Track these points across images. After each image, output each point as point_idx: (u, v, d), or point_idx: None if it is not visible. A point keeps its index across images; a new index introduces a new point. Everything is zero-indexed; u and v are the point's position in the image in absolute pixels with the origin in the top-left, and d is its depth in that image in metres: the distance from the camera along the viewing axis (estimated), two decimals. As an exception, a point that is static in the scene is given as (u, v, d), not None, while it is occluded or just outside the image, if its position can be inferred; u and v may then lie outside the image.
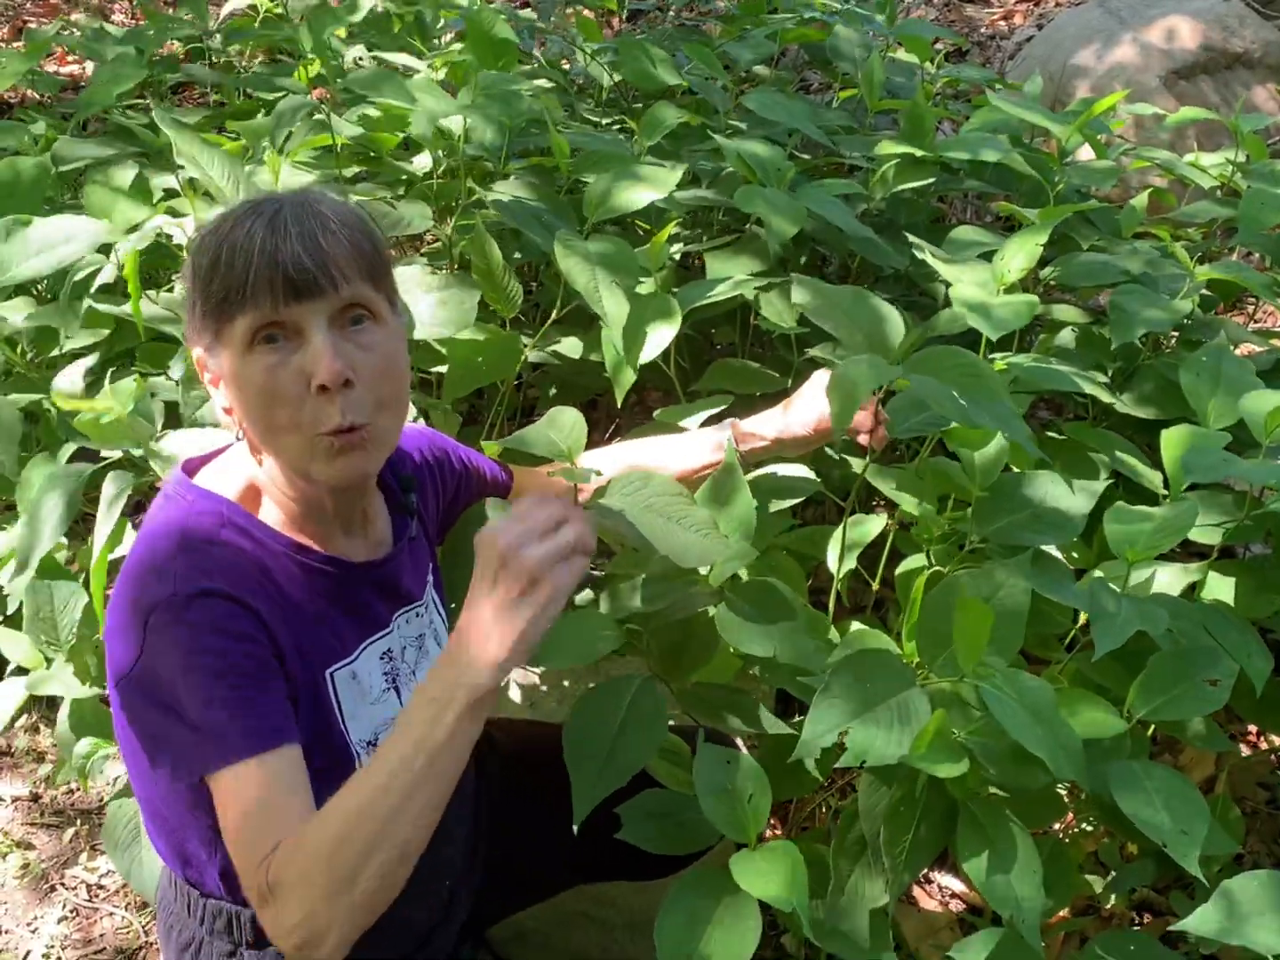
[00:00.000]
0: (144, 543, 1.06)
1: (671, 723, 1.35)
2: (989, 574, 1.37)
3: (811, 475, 1.59)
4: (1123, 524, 1.37)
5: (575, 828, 1.17)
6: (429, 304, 1.55)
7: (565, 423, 1.38)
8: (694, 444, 1.46)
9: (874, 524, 1.78)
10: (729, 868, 1.15)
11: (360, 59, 2.51)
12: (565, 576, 0.94)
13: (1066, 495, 1.50)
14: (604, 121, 2.19)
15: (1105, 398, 1.62)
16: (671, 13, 3.59)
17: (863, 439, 1.49)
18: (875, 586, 1.85)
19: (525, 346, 1.72)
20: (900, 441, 2.24)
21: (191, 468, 1.13)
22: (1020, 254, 1.64)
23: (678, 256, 1.97)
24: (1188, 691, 1.35)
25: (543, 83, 2.43)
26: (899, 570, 1.62)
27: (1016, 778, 1.28)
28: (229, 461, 1.12)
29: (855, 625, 1.48)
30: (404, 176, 1.94)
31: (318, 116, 1.89)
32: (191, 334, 1.05)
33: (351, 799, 0.92)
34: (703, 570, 1.33)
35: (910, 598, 1.50)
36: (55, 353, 1.70)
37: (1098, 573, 1.50)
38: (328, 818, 0.92)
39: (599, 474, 1.16)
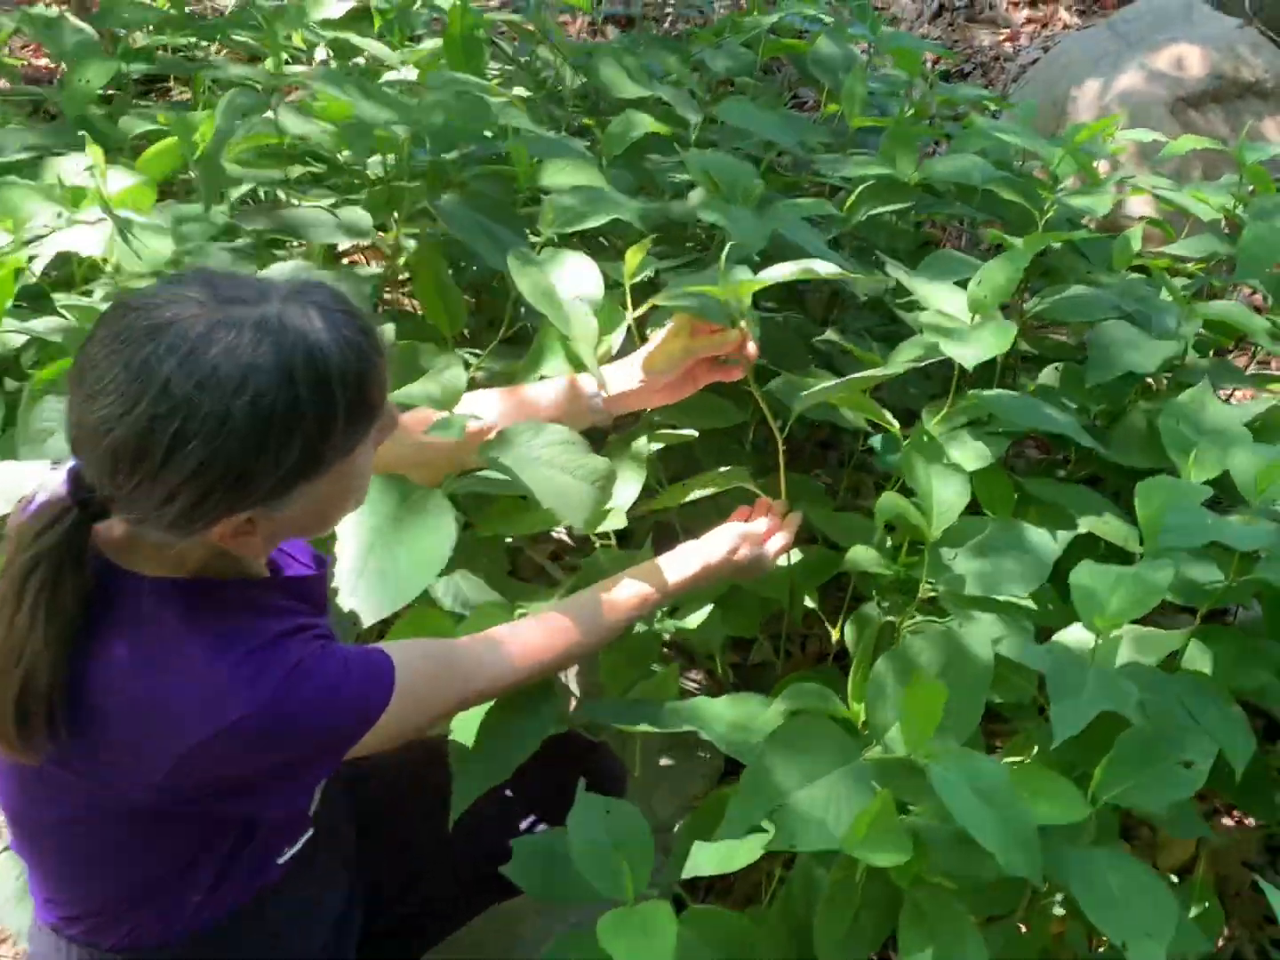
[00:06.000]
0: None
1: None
2: (947, 638, 1.25)
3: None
4: (1089, 585, 1.25)
5: (450, 823, 1.21)
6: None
7: (441, 375, 1.35)
8: (561, 391, 1.44)
9: (829, 563, 1.67)
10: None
11: (325, 59, 2.41)
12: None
13: (1032, 544, 1.39)
14: (564, 129, 2.08)
15: (1084, 441, 1.50)
16: (667, 24, 3.48)
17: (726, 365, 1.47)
18: (836, 635, 1.73)
19: (471, 366, 1.61)
20: (866, 479, 2.13)
21: None
22: (998, 279, 1.52)
23: (651, 273, 1.86)
24: (1160, 775, 1.22)
25: (521, 90, 2.33)
26: (849, 621, 1.50)
27: (966, 866, 1.16)
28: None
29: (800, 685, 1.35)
30: (358, 181, 1.83)
31: (267, 114, 1.78)
32: (250, 496, 0.96)
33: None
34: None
35: (857, 656, 1.39)
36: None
37: (1062, 636, 1.38)
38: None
39: (477, 418, 1.30)
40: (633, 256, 1.45)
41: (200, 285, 0.95)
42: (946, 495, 1.38)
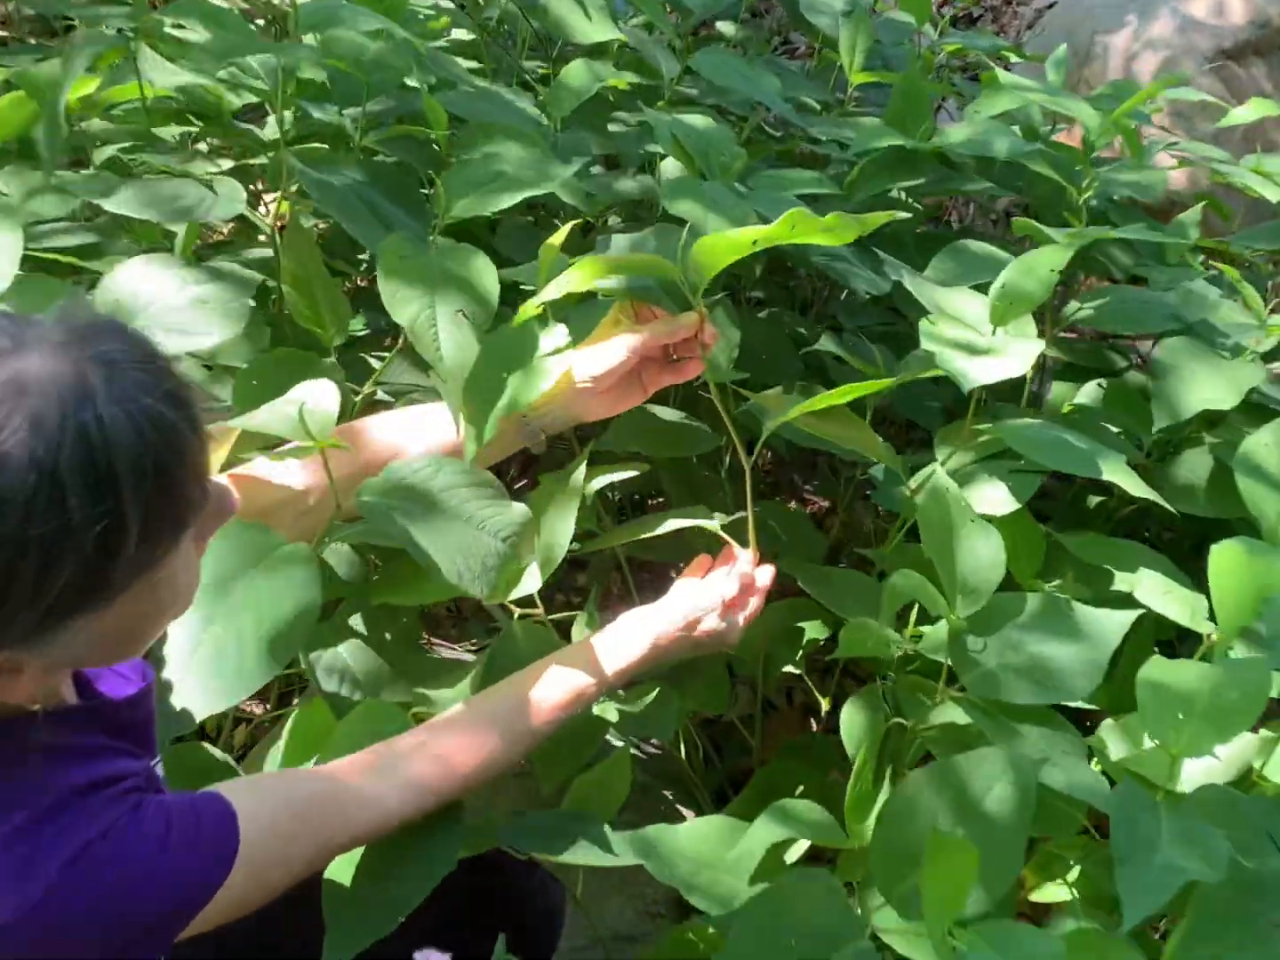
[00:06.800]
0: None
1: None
2: (979, 764, 0.96)
3: None
4: (1160, 703, 0.96)
5: None
6: (182, 305, 1.12)
7: (304, 392, 1.02)
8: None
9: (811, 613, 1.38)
10: None
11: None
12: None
13: (1085, 629, 1.10)
14: (517, 81, 1.75)
15: (1131, 487, 1.19)
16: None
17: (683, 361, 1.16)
18: (826, 705, 1.44)
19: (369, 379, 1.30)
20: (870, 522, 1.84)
21: None
22: (1029, 282, 1.22)
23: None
24: (1251, 938, 0.95)
25: (463, 33, 1.99)
26: (848, 706, 1.21)
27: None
28: None
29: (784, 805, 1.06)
30: (248, 143, 1.50)
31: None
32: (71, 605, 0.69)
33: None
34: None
35: (858, 764, 1.10)
36: None
37: (1108, 734, 1.08)
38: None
39: (345, 447, 1.01)
40: (547, 253, 1.09)
41: None
42: (974, 565, 1.08)
